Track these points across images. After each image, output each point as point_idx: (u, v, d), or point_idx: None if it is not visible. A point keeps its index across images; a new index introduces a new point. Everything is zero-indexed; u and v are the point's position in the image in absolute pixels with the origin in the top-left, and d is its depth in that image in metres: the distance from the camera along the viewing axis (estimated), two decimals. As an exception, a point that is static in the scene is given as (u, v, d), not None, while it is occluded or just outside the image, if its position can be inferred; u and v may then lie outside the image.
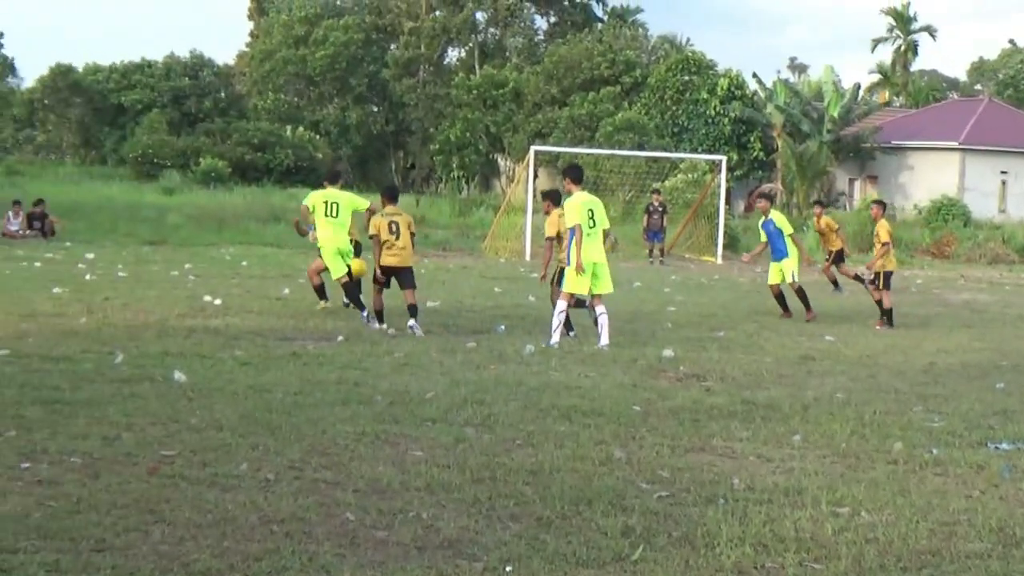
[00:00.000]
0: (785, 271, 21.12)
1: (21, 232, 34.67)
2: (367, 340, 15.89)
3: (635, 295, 23.79)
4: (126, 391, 11.51)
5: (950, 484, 9.24)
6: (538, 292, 23.76)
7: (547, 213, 17.66)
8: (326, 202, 18.47)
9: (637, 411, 11.56)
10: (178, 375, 12.27)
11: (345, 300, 18.82)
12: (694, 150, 58.03)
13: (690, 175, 46.36)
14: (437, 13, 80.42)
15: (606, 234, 16.46)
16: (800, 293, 20.85)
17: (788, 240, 21.07)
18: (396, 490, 8.40)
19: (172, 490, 8.15)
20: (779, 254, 21.13)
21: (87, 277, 23.02)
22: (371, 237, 16.92)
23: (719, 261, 37.87)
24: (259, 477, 8.58)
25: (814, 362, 15.63)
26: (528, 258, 35.28)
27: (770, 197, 23.17)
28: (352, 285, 18.34)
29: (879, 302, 20.72)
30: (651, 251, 36.64)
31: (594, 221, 16.10)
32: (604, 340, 16.07)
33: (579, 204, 16.09)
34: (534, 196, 37.49)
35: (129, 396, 11.26)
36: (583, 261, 15.92)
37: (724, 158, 43.90)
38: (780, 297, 21.16)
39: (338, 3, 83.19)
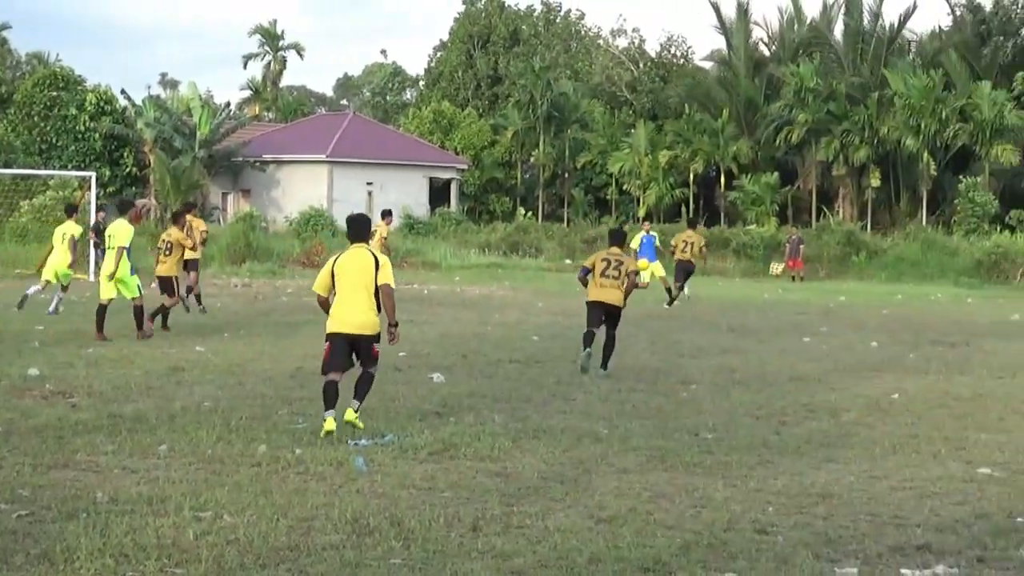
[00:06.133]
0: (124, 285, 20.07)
1: None
2: None
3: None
4: None
5: (310, 482, 9.60)
6: None
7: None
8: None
9: (-2, 432, 11.14)
10: None
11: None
12: (64, 167, 56.47)
13: (60, 192, 45.11)
14: None
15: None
16: (112, 313, 19.67)
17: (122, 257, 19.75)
18: None
19: None
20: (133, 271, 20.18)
21: None
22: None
23: (91, 279, 36.95)
24: None
25: (184, 372, 15.66)
26: None
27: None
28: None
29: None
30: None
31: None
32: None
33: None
34: None
35: None
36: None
37: (94, 174, 43.02)
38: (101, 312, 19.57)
39: None
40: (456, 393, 14.39)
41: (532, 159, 73.30)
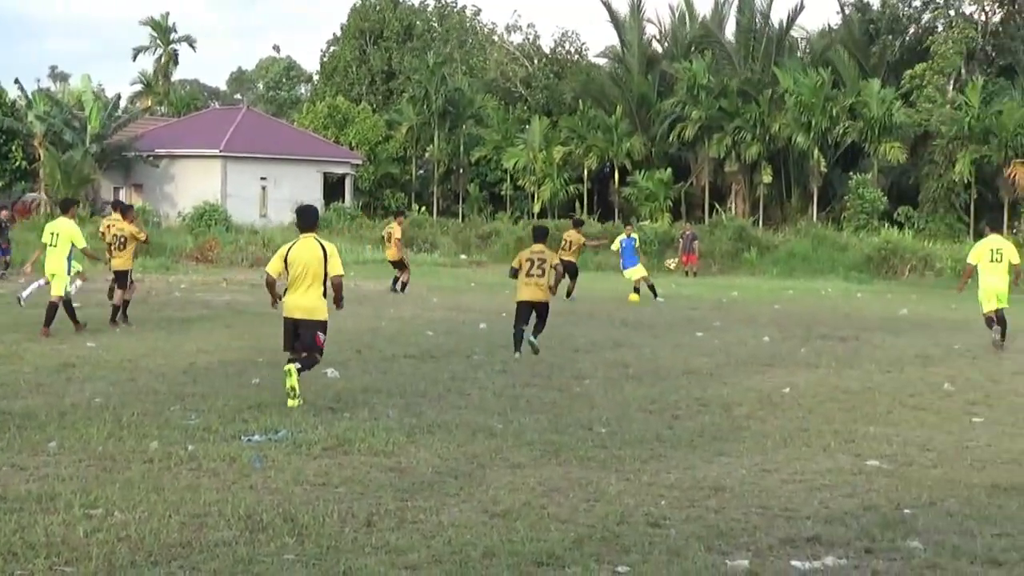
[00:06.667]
0: None
1: None
2: None
3: None
4: None
5: (203, 478, 9.53)
6: None
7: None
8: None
9: None
10: None
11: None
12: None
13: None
14: None
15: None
16: None
17: None
18: None
19: None
20: None
21: None
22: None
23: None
24: None
25: (74, 369, 15.45)
26: None
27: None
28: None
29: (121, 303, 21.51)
30: None
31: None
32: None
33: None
34: None
35: None
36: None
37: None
38: None
39: None
40: (350, 388, 14.37)
41: (427, 154, 73.25)
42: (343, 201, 64.80)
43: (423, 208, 67.05)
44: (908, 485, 9.99)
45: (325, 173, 65.49)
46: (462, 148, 71.39)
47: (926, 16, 69.20)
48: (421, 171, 75.29)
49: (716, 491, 9.58)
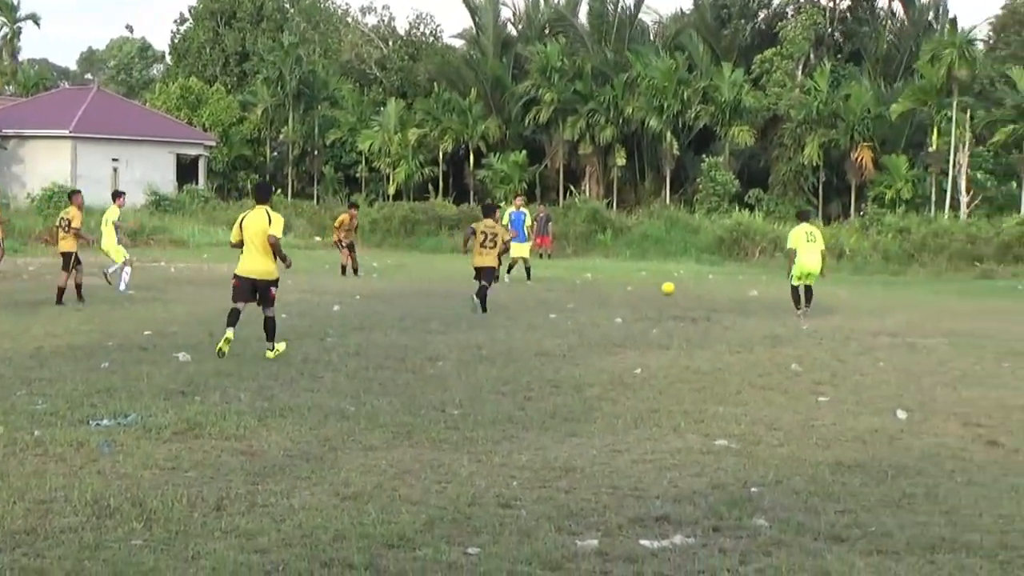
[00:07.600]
0: None
1: None
2: None
3: None
4: None
5: (49, 463, 9.35)
6: None
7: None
8: None
9: None
10: None
11: None
12: None
13: None
14: None
15: None
16: None
17: None
18: None
19: None
20: None
21: None
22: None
23: None
24: None
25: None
26: None
27: None
28: None
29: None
30: None
31: None
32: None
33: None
34: None
35: None
36: None
37: None
38: None
39: None
40: (202, 371, 14.19)
41: (281, 136, 72.64)
42: (197, 183, 63.90)
43: (278, 190, 66.42)
44: (755, 464, 10.18)
45: (178, 155, 64.54)
46: (317, 130, 70.90)
47: (776, 1, 70.49)
48: (275, 153, 74.62)
49: (567, 472, 9.67)
